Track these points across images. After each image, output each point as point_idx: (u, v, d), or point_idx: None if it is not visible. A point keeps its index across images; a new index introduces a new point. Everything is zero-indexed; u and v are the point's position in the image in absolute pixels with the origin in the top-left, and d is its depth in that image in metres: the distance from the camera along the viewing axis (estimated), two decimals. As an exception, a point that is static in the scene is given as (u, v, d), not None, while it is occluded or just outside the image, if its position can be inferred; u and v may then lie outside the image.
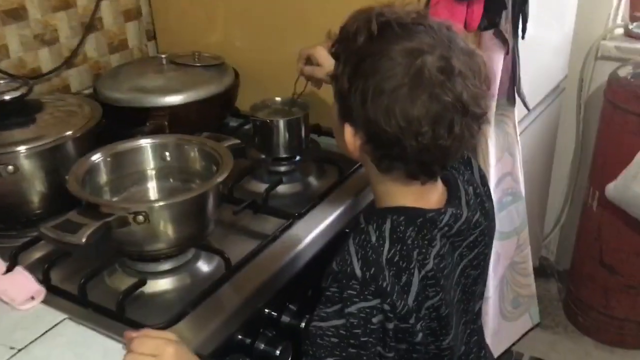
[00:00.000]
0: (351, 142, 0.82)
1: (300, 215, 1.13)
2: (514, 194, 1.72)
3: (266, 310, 1.01)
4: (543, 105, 1.97)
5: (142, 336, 0.78)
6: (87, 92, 1.49)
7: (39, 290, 0.95)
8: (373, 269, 0.78)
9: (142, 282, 0.95)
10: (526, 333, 1.96)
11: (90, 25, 1.51)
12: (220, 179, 0.95)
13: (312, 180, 1.29)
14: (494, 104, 1.41)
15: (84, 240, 0.84)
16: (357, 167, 1.26)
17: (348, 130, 0.81)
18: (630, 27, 2.12)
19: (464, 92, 0.75)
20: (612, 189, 1.94)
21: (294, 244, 1.07)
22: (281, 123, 1.24)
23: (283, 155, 1.28)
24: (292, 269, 1.04)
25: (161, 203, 0.91)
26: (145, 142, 1.08)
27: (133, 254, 0.99)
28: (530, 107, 1.65)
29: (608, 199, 1.95)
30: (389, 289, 0.78)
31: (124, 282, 0.99)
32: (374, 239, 0.80)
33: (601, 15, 2.13)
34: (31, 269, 1.00)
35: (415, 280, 0.80)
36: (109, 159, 1.04)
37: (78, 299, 0.94)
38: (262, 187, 1.24)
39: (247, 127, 1.44)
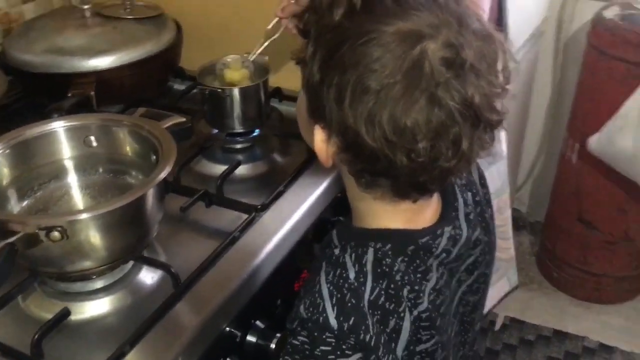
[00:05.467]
0: (322, 149, 0.62)
1: (264, 207, 0.93)
2: (495, 153, 1.56)
3: (227, 329, 0.82)
4: (521, 51, 1.79)
5: None
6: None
7: None
8: (352, 319, 0.60)
9: (65, 314, 0.74)
10: (504, 297, 1.86)
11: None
12: (160, 177, 0.74)
13: (276, 158, 1.08)
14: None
15: (-25, 273, 0.63)
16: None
17: (319, 134, 0.62)
18: (616, -38, 1.93)
19: (476, 94, 0.56)
20: (595, 141, 1.80)
21: (259, 245, 0.87)
22: (236, 92, 1.02)
23: (239, 129, 1.06)
24: (258, 278, 0.85)
25: (83, 216, 0.69)
26: (60, 126, 0.84)
27: (51, 275, 0.78)
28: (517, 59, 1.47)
29: (590, 152, 1.82)
30: (373, 341, 0.61)
31: (44, 307, 0.79)
32: (352, 275, 0.63)
33: (584, -51, 1.94)
34: None
35: (406, 325, 0.64)
36: (9, 151, 0.80)
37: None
38: (214, 169, 1.04)
39: (196, 90, 1.21)
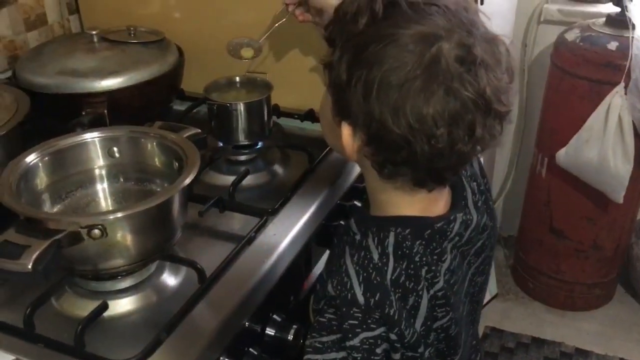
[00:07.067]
0: (349, 144, 0.69)
1: (275, 212, 1.00)
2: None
3: (247, 324, 0.88)
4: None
5: None
6: (2, 77, 1.27)
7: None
8: (378, 294, 0.68)
9: (104, 307, 0.80)
10: (484, 305, 1.94)
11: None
12: (189, 179, 0.81)
13: (278, 169, 1.15)
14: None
15: (30, 266, 0.69)
16: (328, 152, 1.14)
17: (346, 130, 0.68)
18: (573, -11, 2.09)
19: (487, 86, 0.63)
20: (563, 155, 1.92)
21: (273, 245, 0.94)
22: (242, 106, 1.10)
23: (244, 142, 1.13)
24: (275, 274, 0.92)
25: (121, 213, 0.75)
26: (92, 137, 0.91)
27: (86, 274, 0.84)
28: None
29: (559, 165, 1.94)
30: (396, 316, 0.68)
31: (77, 306, 0.84)
32: (376, 257, 0.70)
33: (544, -22, 2.09)
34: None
35: (424, 302, 0.71)
36: (47, 159, 0.86)
37: (25, 334, 0.78)
38: (222, 179, 1.11)
39: (195, 111, 1.29)
